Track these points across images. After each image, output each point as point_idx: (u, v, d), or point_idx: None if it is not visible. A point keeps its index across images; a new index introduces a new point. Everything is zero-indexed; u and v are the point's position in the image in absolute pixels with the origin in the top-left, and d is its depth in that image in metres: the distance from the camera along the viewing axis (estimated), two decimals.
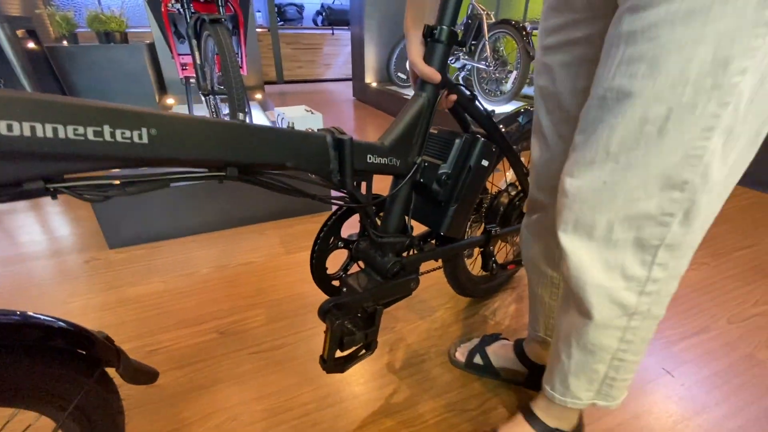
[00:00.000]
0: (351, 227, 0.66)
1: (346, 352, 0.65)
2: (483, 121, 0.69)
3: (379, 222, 0.65)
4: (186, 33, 1.54)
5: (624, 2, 0.40)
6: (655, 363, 0.89)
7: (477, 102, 0.66)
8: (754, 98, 0.38)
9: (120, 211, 1.27)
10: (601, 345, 0.53)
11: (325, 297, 0.69)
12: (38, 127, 0.30)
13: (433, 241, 0.77)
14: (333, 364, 0.64)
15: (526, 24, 2.42)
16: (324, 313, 0.60)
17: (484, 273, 0.98)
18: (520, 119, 0.83)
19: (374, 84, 3.66)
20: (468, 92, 0.65)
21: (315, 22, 5.30)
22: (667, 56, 0.37)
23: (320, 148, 0.48)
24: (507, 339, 0.89)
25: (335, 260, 0.69)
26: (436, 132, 0.69)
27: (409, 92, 3.25)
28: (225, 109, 1.77)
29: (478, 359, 0.85)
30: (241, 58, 1.75)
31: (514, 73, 2.51)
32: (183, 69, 1.83)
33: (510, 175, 0.91)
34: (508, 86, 2.62)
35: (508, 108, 2.57)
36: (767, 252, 1.31)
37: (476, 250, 0.95)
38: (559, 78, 0.59)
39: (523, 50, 2.34)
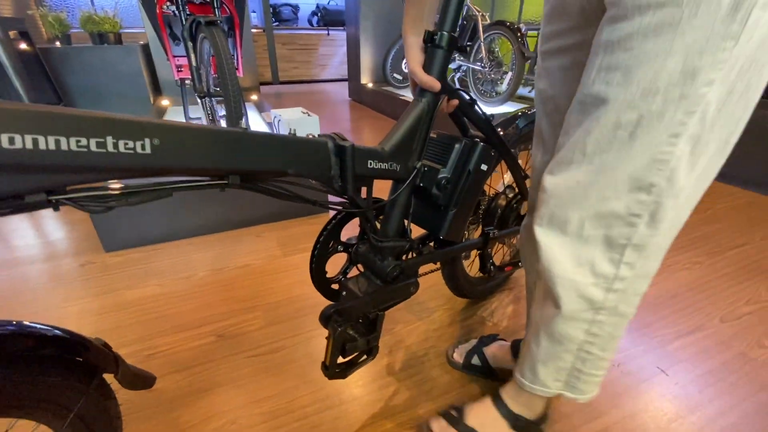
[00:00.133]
0: (350, 230, 0.66)
1: (347, 358, 0.66)
2: (482, 125, 0.69)
3: (378, 225, 0.65)
4: (181, 35, 1.54)
5: (607, 12, 0.42)
6: (650, 362, 0.90)
7: (476, 107, 0.67)
8: (722, 108, 0.39)
9: (116, 214, 1.26)
10: (567, 336, 0.55)
11: (323, 299, 0.69)
12: (40, 139, 0.29)
13: (432, 244, 0.77)
14: (335, 371, 0.64)
15: (521, 25, 2.43)
16: (326, 319, 0.61)
17: (481, 274, 0.98)
18: (518, 122, 0.84)
19: (370, 85, 3.67)
20: (468, 97, 0.65)
21: (310, 22, 5.29)
22: (640, 66, 0.39)
23: (322, 155, 0.48)
24: (504, 340, 0.90)
25: (334, 264, 0.69)
26: (435, 136, 0.70)
27: (405, 93, 3.26)
28: (221, 111, 1.77)
29: (476, 360, 0.85)
30: (237, 59, 1.74)
31: (510, 74, 2.52)
32: (178, 71, 1.82)
33: (508, 177, 0.91)
34: (503, 87, 2.63)
35: (503, 109, 2.58)
36: (760, 251, 1.33)
37: (474, 252, 0.95)
38: (557, 82, 0.61)
39: (518, 51, 2.36)
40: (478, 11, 2.59)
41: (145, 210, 1.29)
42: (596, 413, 0.78)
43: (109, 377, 0.52)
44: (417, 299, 1.09)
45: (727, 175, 1.90)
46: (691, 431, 0.75)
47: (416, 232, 0.73)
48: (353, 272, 0.70)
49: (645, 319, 1.03)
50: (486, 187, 0.87)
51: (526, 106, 0.89)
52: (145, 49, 2.79)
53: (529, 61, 2.42)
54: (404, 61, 3.42)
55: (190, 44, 1.51)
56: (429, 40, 0.56)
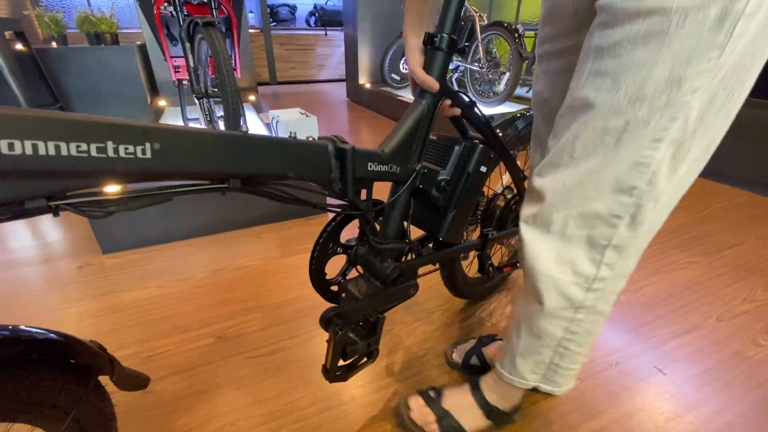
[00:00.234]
0: (349, 231, 0.66)
1: (348, 361, 0.66)
2: (482, 127, 0.69)
3: (377, 227, 0.65)
4: (179, 36, 1.53)
5: (597, 17, 0.42)
6: (648, 361, 0.90)
7: (476, 108, 0.67)
8: (705, 115, 0.40)
9: (113, 216, 1.26)
10: (546, 332, 0.57)
11: (322, 300, 0.69)
12: (40, 145, 0.29)
13: (431, 245, 0.77)
14: (336, 374, 0.64)
15: (518, 26, 2.44)
16: (326, 322, 0.61)
17: (479, 275, 0.99)
18: (516, 124, 0.84)
19: (368, 85, 3.66)
20: (467, 99, 0.66)
21: (308, 22, 5.28)
22: (627, 73, 0.40)
23: (322, 158, 0.48)
24: (503, 340, 0.90)
25: (334, 265, 0.69)
26: (435, 138, 0.70)
27: (403, 93, 3.26)
28: (219, 112, 1.77)
29: (474, 360, 0.86)
30: (235, 60, 1.74)
31: (507, 74, 2.53)
32: (176, 71, 1.81)
33: (506, 178, 0.92)
34: (501, 87, 2.64)
35: (501, 109, 2.59)
36: (755, 250, 1.34)
37: (472, 253, 0.96)
38: (552, 85, 0.61)
39: (516, 52, 2.37)
40: (476, 12, 2.60)
41: (142, 211, 1.29)
42: (594, 413, 0.78)
43: (104, 379, 0.52)
44: (416, 300, 1.10)
45: (723, 174, 1.91)
46: (688, 430, 0.75)
47: (415, 233, 0.73)
48: (352, 273, 0.70)
49: (642, 319, 1.03)
50: (485, 188, 0.87)
51: (525, 107, 0.90)
52: (142, 49, 2.78)
53: (527, 62, 2.42)
54: (402, 61, 3.43)
55: (187, 45, 1.50)
56: (429, 42, 0.56)
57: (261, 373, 0.86)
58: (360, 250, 0.66)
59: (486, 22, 2.59)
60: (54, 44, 2.55)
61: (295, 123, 1.69)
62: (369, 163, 0.52)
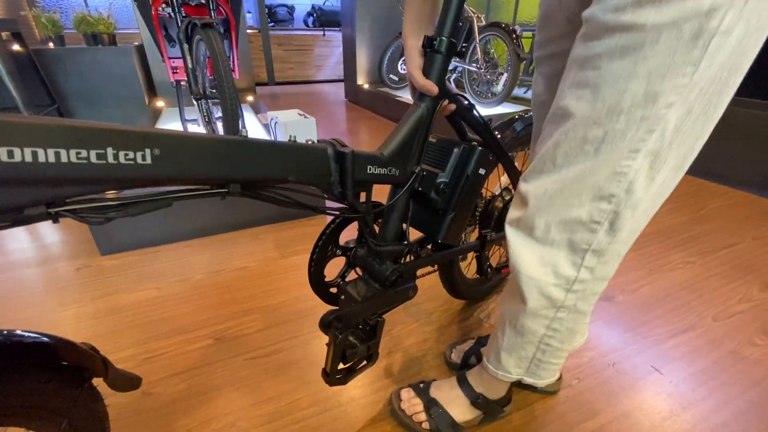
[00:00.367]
0: (348, 233, 0.66)
1: (347, 365, 0.66)
2: (480, 129, 0.70)
3: (377, 229, 0.66)
4: (177, 37, 1.53)
5: (582, 27, 0.43)
6: (645, 361, 0.91)
7: (475, 111, 0.68)
8: (681, 126, 0.41)
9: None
10: (529, 329, 0.60)
11: (321, 301, 0.69)
12: (40, 152, 0.29)
13: (429, 247, 0.78)
14: (336, 377, 0.64)
15: (516, 27, 2.45)
16: (326, 326, 0.61)
17: (478, 276, 0.99)
18: (515, 125, 0.85)
19: (366, 86, 3.67)
20: (466, 101, 0.66)
21: (306, 23, 5.28)
22: (606, 85, 0.41)
23: (322, 161, 0.48)
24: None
25: (333, 267, 0.70)
26: (434, 141, 0.70)
27: (401, 94, 3.27)
28: (217, 113, 1.77)
29: (473, 360, 0.86)
30: (233, 61, 1.74)
31: (505, 75, 2.54)
32: (174, 72, 1.81)
33: (504, 179, 0.92)
34: (499, 88, 2.65)
35: (499, 110, 2.60)
36: (751, 250, 1.35)
37: (471, 254, 0.96)
38: (548, 88, 0.62)
39: (513, 53, 2.38)
40: (474, 12, 2.61)
41: None
42: (591, 412, 0.79)
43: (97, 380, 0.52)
44: (415, 301, 1.10)
45: (718, 175, 1.92)
46: (684, 429, 0.76)
47: (414, 234, 0.74)
48: (351, 276, 0.70)
49: (639, 319, 1.04)
50: (483, 190, 0.88)
51: (523, 108, 0.90)
52: (140, 50, 2.77)
53: (524, 62, 2.43)
54: (400, 62, 3.44)
55: (185, 46, 1.50)
56: (428, 44, 0.56)
57: (260, 374, 0.87)
58: (359, 252, 0.66)
59: (484, 22, 2.60)
60: (51, 45, 2.54)
61: (293, 124, 1.69)
62: (368, 166, 0.53)
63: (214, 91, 1.55)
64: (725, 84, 0.39)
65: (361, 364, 0.69)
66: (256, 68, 4.57)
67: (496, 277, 1.13)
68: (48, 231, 1.44)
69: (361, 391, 0.83)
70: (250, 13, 4.58)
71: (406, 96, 3.17)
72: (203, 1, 1.53)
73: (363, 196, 0.57)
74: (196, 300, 1.10)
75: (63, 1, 3.31)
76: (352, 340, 0.64)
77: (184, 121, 2.01)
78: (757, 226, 1.52)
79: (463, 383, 0.75)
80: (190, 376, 0.86)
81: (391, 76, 3.51)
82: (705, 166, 1.93)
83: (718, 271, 1.24)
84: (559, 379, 0.84)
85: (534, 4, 3.10)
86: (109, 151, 0.32)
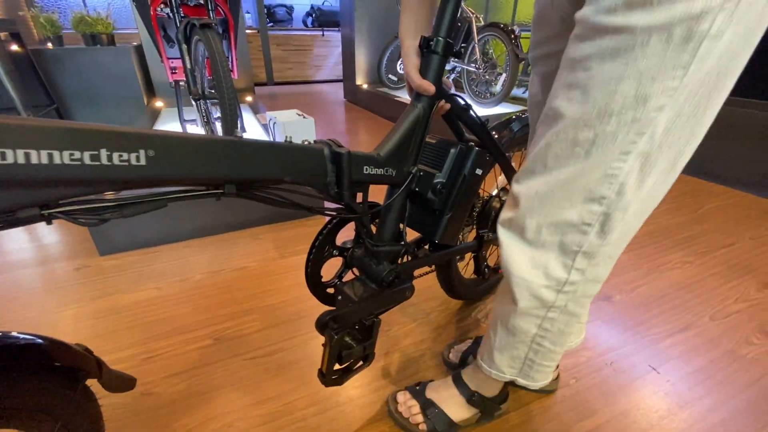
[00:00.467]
0: (346, 233, 0.67)
1: (344, 365, 0.66)
2: (477, 129, 0.70)
3: (374, 229, 0.66)
4: (176, 37, 1.53)
5: (574, 28, 0.43)
6: (642, 360, 0.92)
7: (471, 111, 0.68)
8: (671, 129, 0.41)
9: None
10: (520, 329, 0.60)
11: (319, 302, 0.70)
12: (33, 153, 0.29)
13: (427, 247, 0.78)
14: (332, 378, 0.64)
15: (515, 27, 2.45)
16: (322, 326, 0.61)
17: (475, 276, 1.00)
18: (512, 126, 0.85)
19: (365, 86, 3.67)
20: (463, 101, 0.66)
21: (305, 23, 5.27)
22: (596, 87, 0.41)
23: (318, 162, 0.48)
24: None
25: (331, 267, 0.70)
26: (431, 141, 0.70)
27: (400, 94, 3.27)
28: (216, 113, 1.77)
29: (471, 360, 0.86)
30: (232, 61, 1.74)
31: (504, 75, 2.54)
32: (173, 73, 1.81)
33: (501, 179, 0.93)
34: (497, 88, 2.65)
35: (498, 110, 2.60)
36: (748, 250, 1.36)
37: (468, 254, 0.96)
38: (544, 88, 0.62)
39: (512, 53, 2.38)
40: (472, 13, 2.61)
41: None
42: (588, 412, 0.79)
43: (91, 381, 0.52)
44: (412, 301, 1.10)
45: (717, 175, 1.93)
46: (681, 428, 0.77)
47: (411, 235, 0.74)
48: (349, 276, 0.71)
49: (637, 318, 1.05)
50: (480, 190, 0.88)
51: (521, 108, 0.91)
52: (139, 50, 2.77)
53: (523, 63, 2.44)
54: (399, 62, 3.44)
55: (184, 46, 1.50)
56: (425, 45, 0.56)
57: (260, 374, 0.87)
58: (356, 252, 0.67)
59: (482, 23, 2.60)
60: (50, 45, 2.54)
61: (292, 124, 1.69)
62: (365, 167, 0.53)
63: (212, 91, 1.56)
64: (715, 88, 0.39)
65: (358, 365, 0.69)
66: (255, 68, 4.57)
67: (494, 277, 1.13)
68: (47, 231, 1.44)
69: (360, 391, 0.84)
70: (249, 13, 4.58)
71: (405, 96, 3.17)
72: (202, 2, 1.53)
73: (360, 197, 0.57)
74: (195, 300, 1.10)
75: (61, 1, 3.31)
76: (348, 341, 0.64)
77: (182, 121, 2.01)
78: (755, 226, 1.52)
79: (459, 381, 0.75)
80: (189, 376, 0.86)
81: (390, 76, 3.52)
82: (703, 166, 1.94)
83: (716, 270, 1.25)
84: (557, 378, 0.84)
85: (532, 4, 3.10)
86: (103, 152, 0.32)
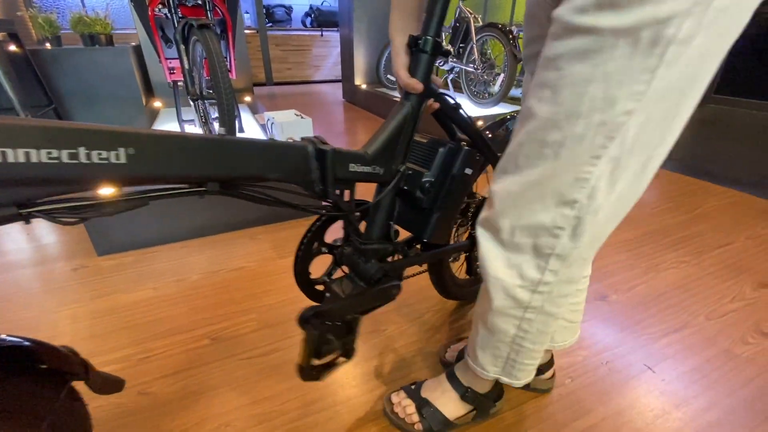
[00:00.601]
0: (337, 231, 0.67)
1: (323, 360, 0.66)
2: (467, 128, 0.70)
3: (363, 228, 0.66)
4: (174, 38, 1.54)
5: (551, 27, 0.43)
6: (638, 359, 0.92)
7: (461, 110, 0.68)
8: (640, 134, 0.41)
9: (108, 218, 1.26)
10: (500, 328, 0.60)
11: (308, 298, 0.70)
12: (9, 152, 0.29)
13: (418, 246, 0.78)
14: (310, 372, 0.64)
15: (513, 27, 2.45)
16: (304, 321, 0.61)
17: (468, 276, 1.00)
18: (507, 125, 0.85)
19: (364, 86, 3.67)
20: (452, 101, 0.66)
21: (304, 23, 5.28)
22: (566, 87, 0.41)
23: (301, 159, 0.48)
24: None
25: (321, 265, 0.70)
26: (420, 140, 0.71)
27: (399, 94, 3.28)
28: (214, 113, 1.77)
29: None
30: (230, 62, 1.74)
31: (502, 75, 2.54)
32: (171, 73, 1.81)
33: None
34: (496, 88, 2.65)
35: (497, 110, 2.61)
36: (744, 249, 1.36)
37: (463, 255, 0.96)
38: None
39: (510, 53, 2.38)
40: (471, 13, 2.62)
41: (137, 213, 1.29)
42: (584, 410, 0.80)
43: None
44: (406, 302, 1.11)
45: (714, 175, 1.93)
46: (676, 427, 0.77)
47: (405, 235, 0.74)
48: (338, 274, 0.71)
49: (633, 317, 1.05)
50: (476, 190, 0.88)
51: (518, 108, 0.91)
52: (137, 50, 2.77)
53: (521, 63, 2.44)
54: None
55: (182, 47, 1.51)
56: (413, 44, 0.56)
57: (256, 374, 0.87)
58: (345, 250, 0.67)
59: (481, 23, 2.60)
60: (48, 45, 2.54)
61: (290, 124, 1.69)
62: (351, 164, 0.53)
63: (210, 91, 1.56)
64: (685, 93, 0.39)
65: (337, 360, 0.68)
66: (254, 68, 4.57)
67: None
68: (45, 231, 1.44)
69: (356, 391, 0.84)
70: (248, 13, 4.58)
71: None
72: (199, 2, 1.53)
73: (347, 195, 0.57)
74: (193, 300, 1.10)
75: (60, 1, 3.31)
76: (327, 336, 0.64)
77: (181, 121, 2.02)
78: (751, 225, 1.53)
79: (452, 378, 0.76)
80: (185, 376, 0.86)
81: (388, 76, 3.52)
82: (702, 167, 1.94)
83: (712, 270, 1.25)
84: (552, 377, 0.84)
85: None
86: (82, 150, 0.32)
